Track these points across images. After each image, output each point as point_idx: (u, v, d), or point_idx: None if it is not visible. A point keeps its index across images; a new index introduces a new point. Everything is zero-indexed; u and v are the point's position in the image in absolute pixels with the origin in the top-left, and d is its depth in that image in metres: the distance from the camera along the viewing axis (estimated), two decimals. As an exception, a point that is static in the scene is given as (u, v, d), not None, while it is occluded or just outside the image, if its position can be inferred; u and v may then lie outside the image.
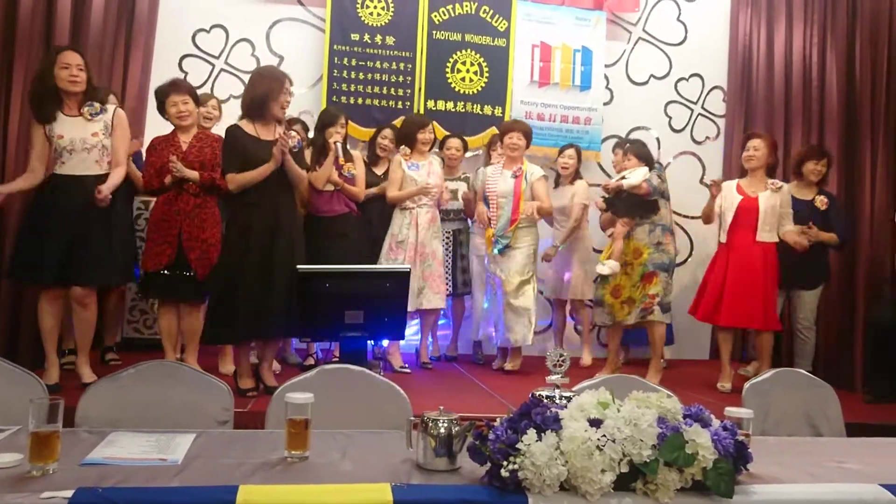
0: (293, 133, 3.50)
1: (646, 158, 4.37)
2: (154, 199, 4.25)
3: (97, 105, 3.49)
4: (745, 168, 4.39)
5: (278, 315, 3.29)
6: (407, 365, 4.52)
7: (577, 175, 4.98)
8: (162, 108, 3.83)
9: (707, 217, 4.49)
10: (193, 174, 3.63)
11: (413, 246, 4.41)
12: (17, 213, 3.97)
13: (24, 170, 4.04)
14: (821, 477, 1.66)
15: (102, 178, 3.45)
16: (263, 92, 3.36)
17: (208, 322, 3.48)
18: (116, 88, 4.56)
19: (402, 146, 4.54)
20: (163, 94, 3.79)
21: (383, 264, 4.34)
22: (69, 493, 1.32)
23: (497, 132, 5.12)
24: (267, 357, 3.58)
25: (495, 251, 4.49)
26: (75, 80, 3.40)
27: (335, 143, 4.11)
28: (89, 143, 3.44)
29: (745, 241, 4.25)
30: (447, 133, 5.13)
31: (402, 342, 4.53)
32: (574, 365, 4.82)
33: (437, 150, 4.91)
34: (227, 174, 3.36)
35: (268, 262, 3.33)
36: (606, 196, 4.40)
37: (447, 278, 4.70)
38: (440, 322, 5.13)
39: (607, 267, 4.25)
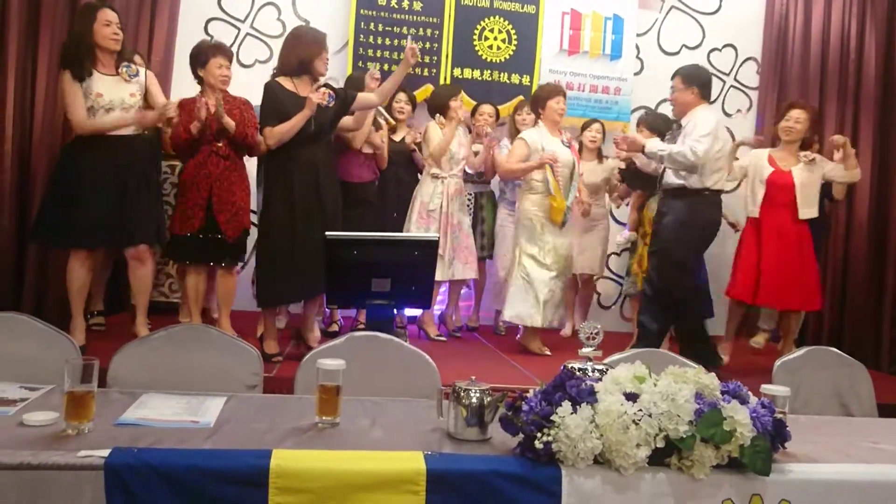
0: (324, 89, 3.46)
1: (658, 130, 4.30)
2: (178, 163, 4.28)
3: (134, 67, 3.52)
4: (783, 139, 4.16)
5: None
6: (442, 334, 4.58)
7: (601, 151, 4.90)
8: (196, 65, 3.73)
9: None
10: (230, 122, 3.57)
11: (445, 215, 4.40)
12: (43, 180, 3.99)
13: (51, 132, 4.08)
14: (855, 457, 1.64)
15: (138, 140, 3.48)
16: (307, 52, 3.39)
17: (263, 284, 3.48)
18: (142, 52, 4.53)
19: (437, 115, 4.52)
20: (206, 54, 3.70)
21: (413, 233, 4.34)
22: (105, 453, 1.33)
23: (523, 99, 5.07)
24: (309, 317, 3.60)
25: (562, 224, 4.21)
26: (117, 37, 3.43)
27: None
28: (128, 103, 3.44)
29: (781, 220, 4.05)
30: (475, 102, 5.04)
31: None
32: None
33: (469, 118, 4.85)
34: (263, 130, 3.35)
35: (316, 217, 3.35)
36: (622, 168, 4.39)
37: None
38: (461, 291, 5.14)
39: (622, 236, 4.38)
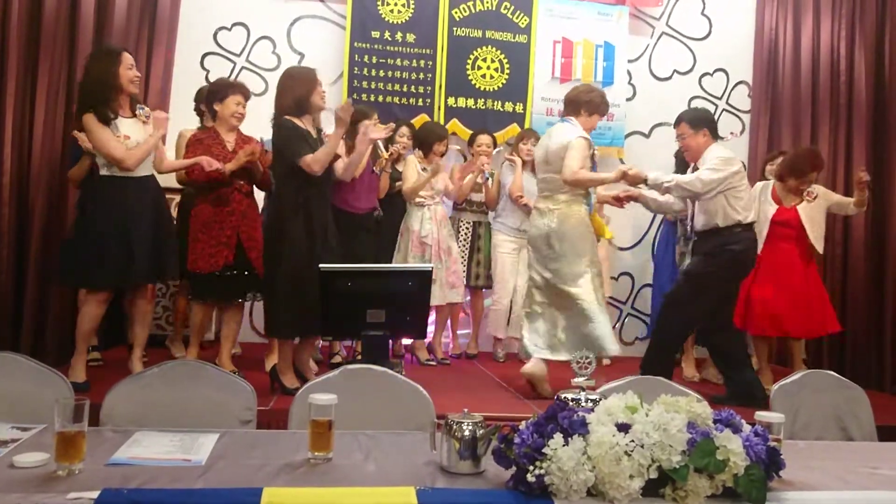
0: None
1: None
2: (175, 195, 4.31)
3: (147, 108, 3.58)
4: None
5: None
6: (433, 358, 4.62)
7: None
8: (214, 100, 3.77)
9: None
10: (260, 169, 3.78)
11: (437, 242, 4.48)
12: (42, 215, 4.01)
13: (49, 167, 4.11)
14: (854, 483, 1.63)
15: (155, 180, 3.52)
16: (303, 90, 3.41)
17: (275, 317, 3.45)
18: (139, 86, 4.58)
19: (417, 149, 4.61)
20: (226, 90, 3.77)
21: (409, 262, 4.37)
22: (95, 494, 1.32)
23: (523, 130, 5.18)
24: (305, 353, 3.60)
25: None
26: (137, 80, 3.50)
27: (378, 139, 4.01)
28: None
29: (787, 254, 4.14)
30: (471, 131, 5.14)
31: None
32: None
33: (467, 146, 4.92)
34: (303, 158, 3.29)
35: (330, 247, 3.38)
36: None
37: (463, 271, 4.78)
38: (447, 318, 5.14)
39: None
